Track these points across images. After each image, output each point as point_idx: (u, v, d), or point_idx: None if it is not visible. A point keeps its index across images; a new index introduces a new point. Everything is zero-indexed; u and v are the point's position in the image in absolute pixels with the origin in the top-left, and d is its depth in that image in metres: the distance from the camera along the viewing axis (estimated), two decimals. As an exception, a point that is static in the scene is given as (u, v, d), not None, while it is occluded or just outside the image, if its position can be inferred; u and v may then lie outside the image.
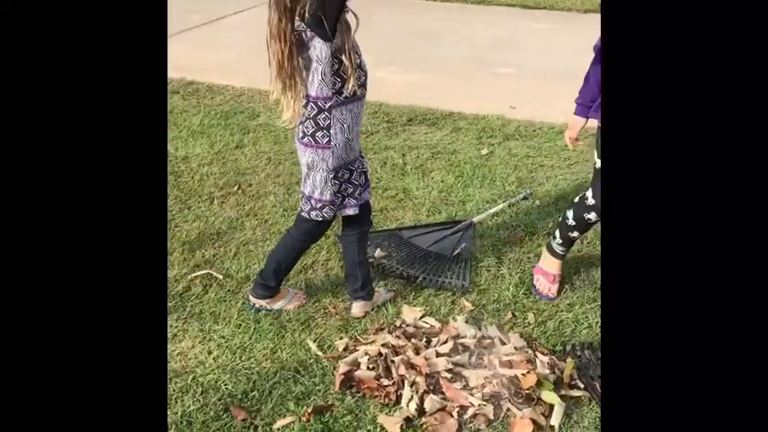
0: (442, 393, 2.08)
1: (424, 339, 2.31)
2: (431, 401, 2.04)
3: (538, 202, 3.38)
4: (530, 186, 3.51)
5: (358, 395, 2.14)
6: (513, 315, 2.52)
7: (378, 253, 2.87)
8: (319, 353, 2.33)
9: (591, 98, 2.47)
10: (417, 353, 2.22)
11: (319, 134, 2.20)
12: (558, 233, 2.68)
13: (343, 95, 2.16)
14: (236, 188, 3.52)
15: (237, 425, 2.03)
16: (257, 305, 2.54)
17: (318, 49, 2.06)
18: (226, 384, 2.19)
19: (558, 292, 2.64)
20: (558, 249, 2.68)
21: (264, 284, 2.51)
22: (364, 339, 2.37)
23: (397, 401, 2.09)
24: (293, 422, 2.03)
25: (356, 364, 2.22)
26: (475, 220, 3.12)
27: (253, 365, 2.28)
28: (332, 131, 2.19)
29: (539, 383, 2.10)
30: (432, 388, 2.09)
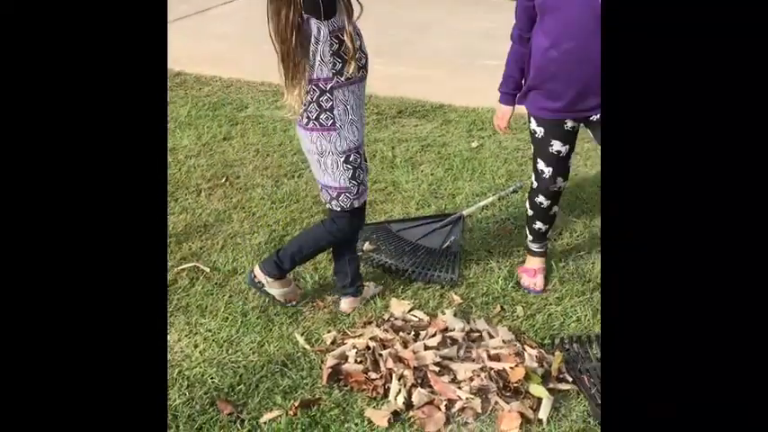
0: (430, 387, 2.07)
1: (413, 333, 2.30)
2: (419, 395, 2.03)
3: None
4: (520, 179, 3.50)
5: (345, 389, 2.13)
6: (502, 308, 2.51)
7: (366, 246, 2.86)
8: (307, 346, 2.31)
9: (515, 86, 2.49)
10: (405, 346, 2.21)
11: (323, 116, 2.18)
12: (526, 230, 2.70)
13: (344, 77, 2.14)
14: (223, 180, 3.50)
15: (224, 419, 2.01)
16: (257, 279, 2.48)
17: (315, 29, 2.05)
18: (212, 378, 2.18)
19: (546, 283, 2.64)
20: (533, 247, 2.69)
21: (277, 263, 2.45)
22: (352, 333, 2.36)
23: (385, 395, 2.08)
24: (280, 416, 2.01)
25: (344, 358, 2.21)
26: (464, 213, 3.11)
27: (239, 359, 2.26)
28: (335, 112, 2.18)
29: (527, 377, 2.09)
30: (419, 381, 2.08)
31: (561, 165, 2.48)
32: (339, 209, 2.32)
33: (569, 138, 2.43)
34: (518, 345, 2.24)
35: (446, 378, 2.09)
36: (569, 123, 2.39)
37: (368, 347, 2.22)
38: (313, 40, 2.07)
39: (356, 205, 2.34)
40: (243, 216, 3.15)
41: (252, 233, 3.01)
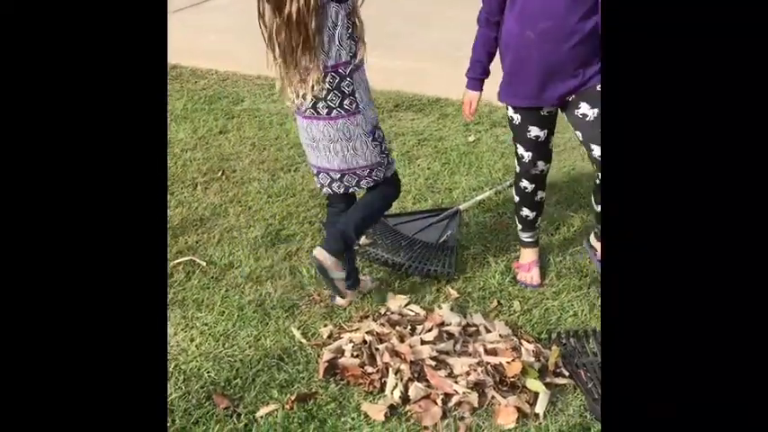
0: (427, 381, 2.06)
1: (409, 327, 2.30)
2: (415, 389, 2.03)
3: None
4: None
5: (342, 383, 2.12)
6: (499, 303, 2.51)
7: (363, 240, 2.85)
8: (303, 340, 2.31)
9: (482, 71, 2.50)
10: (402, 340, 2.20)
11: (347, 102, 2.20)
12: (516, 219, 2.71)
13: (358, 59, 2.18)
14: (219, 174, 3.48)
15: (220, 413, 2.01)
16: (324, 263, 2.32)
17: (334, 13, 2.07)
18: (208, 372, 2.17)
19: (542, 277, 2.64)
20: (523, 237, 2.70)
21: (347, 240, 2.37)
22: (349, 327, 2.35)
23: (382, 389, 2.08)
24: (276, 410, 2.01)
25: (340, 352, 2.21)
26: (461, 207, 3.11)
27: (236, 353, 2.26)
28: (357, 96, 2.21)
29: (524, 371, 2.09)
30: (416, 376, 2.08)
31: (540, 149, 2.50)
32: (372, 183, 2.36)
33: (546, 123, 2.45)
34: (515, 339, 2.24)
35: (443, 372, 2.09)
36: (545, 109, 2.40)
37: (364, 342, 2.22)
38: (330, 24, 2.08)
39: (388, 175, 2.39)
40: (239, 210, 3.14)
41: (248, 227, 3.00)
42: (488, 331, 2.29)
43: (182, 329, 2.37)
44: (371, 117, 2.29)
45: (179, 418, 1.99)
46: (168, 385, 2.10)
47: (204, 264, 2.73)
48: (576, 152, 3.64)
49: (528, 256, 2.69)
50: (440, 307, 2.43)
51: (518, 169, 2.58)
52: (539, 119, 2.42)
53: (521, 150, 2.52)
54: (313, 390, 2.10)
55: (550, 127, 2.46)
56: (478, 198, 3.21)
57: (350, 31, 2.11)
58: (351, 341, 2.24)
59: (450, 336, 2.24)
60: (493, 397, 2.03)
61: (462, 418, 1.98)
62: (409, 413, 2.00)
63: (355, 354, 2.19)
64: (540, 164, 2.53)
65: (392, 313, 2.38)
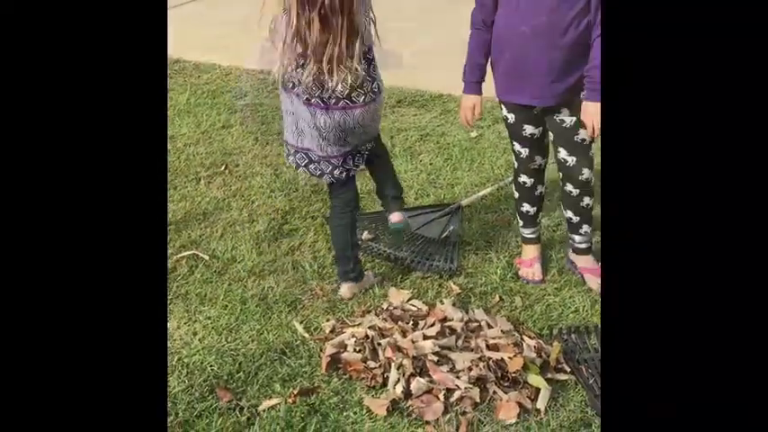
0: (429, 376, 2.07)
1: (411, 322, 2.30)
2: (417, 384, 2.03)
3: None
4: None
5: (344, 377, 2.13)
6: (501, 299, 2.52)
7: (365, 235, 2.86)
8: (306, 335, 2.32)
9: (481, 74, 2.50)
10: (404, 336, 2.21)
11: (374, 86, 2.27)
12: (517, 215, 2.72)
13: (374, 37, 2.25)
14: (222, 168, 3.49)
15: (223, 406, 2.02)
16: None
17: None
18: (211, 365, 2.18)
19: (544, 273, 2.64)
20: (525, 233, 2.71)
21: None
22: (351, 322, 2.36)
23: (384, 384, 2.08)
24: (279, 404, 2.02)
25: (343, 347, 2.22)
26: (463, 203, 3.11)
27: (239, 347, 2.27)
28: (377, 76, 2.29)
29: (525, 367, 2.10)
30: (418, 371, 2.09)
31: (537, 145, 2.53)
32: (368, 152, 2.45)
33: (540, 121, 2.47)
34: (516, 335, 2.25)
35: (445, 368, 2.10)
36: (538, 108, 2.41)
37: (367, 336, 2.22)
38: (364, 9, 2.14)
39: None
40: (242, 204, 3.15)
41: (251, 221, 3.00)
42: (490, 327, 2.29)
43: (185, 323, 2.38)
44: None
45: (182, 411, 1.99)
46: (171, 379, 2.12)
47: (207, 258, 2.73)
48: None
49: (530, 252, 2.69)
50: (442, 302, 2.43)
51: (516, 165, 2.60)
52: (532, 117, 2.45)
53: (517, 147, 2.54)
54: (315, 384, 2.11)
55: (544, 125, 2.48)
56: (480, 194, 3.21)
57: (370, 15, 2.17)
58: (353, 336, 2.25)
59: (453, 331, 2.25)
60: (494, 392, 2.04)
61: (464, 413, 1.99)
62: (411, 408, 2.00)
63: (357, 348, 2.20)
64: (538, 158, 2.55)
65: (394, 308, 2.39)
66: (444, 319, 2.30)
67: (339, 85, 2.17)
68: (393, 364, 2.11)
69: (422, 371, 2.09)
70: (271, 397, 2.06)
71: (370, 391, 2.08)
